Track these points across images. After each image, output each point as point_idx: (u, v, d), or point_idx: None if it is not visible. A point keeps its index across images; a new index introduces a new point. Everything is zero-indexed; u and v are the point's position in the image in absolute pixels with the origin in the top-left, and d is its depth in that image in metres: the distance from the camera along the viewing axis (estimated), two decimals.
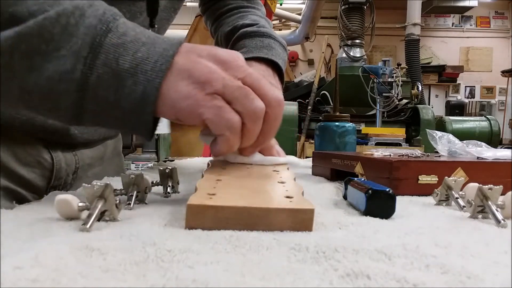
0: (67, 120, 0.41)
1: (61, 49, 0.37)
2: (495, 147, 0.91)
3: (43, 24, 0.37)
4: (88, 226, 0.31)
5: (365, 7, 3.71)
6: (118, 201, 0.35)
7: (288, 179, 0.41)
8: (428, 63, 6.58)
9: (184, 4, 0.77)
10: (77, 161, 0.67)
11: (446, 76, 6.59)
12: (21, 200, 0.50)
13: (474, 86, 6.93)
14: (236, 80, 0.39)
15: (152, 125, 0.40)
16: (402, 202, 0.46)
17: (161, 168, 0.49)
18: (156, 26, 0.64)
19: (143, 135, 0.41)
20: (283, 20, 5.58)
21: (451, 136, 0.68)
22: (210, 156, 0.70)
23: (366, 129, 3.10)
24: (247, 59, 0.70)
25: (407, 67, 4.33)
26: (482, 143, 0.68)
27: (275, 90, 0.41)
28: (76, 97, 0.38)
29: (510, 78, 6.27)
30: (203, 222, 0.31)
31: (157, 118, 0.40)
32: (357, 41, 3.67)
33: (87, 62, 0.37)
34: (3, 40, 0.37)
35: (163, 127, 3.57)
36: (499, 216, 0.37)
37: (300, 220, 0.32)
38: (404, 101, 3.38)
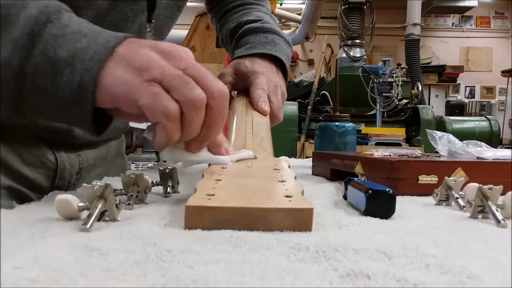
0: (10, 109, 0.41)
1: (0, 39, 0.38)
2: (495, 147, 0.91)
3: None
4: (88, 226, 0.31)
5: (365, 7, 3.71)
6: (118, 201, 0.35)
7: (288, 178, 0.41)
8: (428, 63, 6.58)
9: None
10: (81, 162, 0.67)
11: (446, 76, 6.59)
12: (25, 200, 0.51)
13: (474, 86, 6.93)
14: (176, 70, 0.39)
15: (91, 116, 0.39)
16: (402, 202, 0.46)
17: (161, 168, 0.49)
18: (153, 21, 0.64)
19: (87, 129, 0.41)
20: (283, 20, 5.58)
21: (451, 136, 0.68)
22: None
23: (366, 129, 3.10)
24: (251, 55, 0.70)
25: (407, 67, 4.32)
26: (482, 143, 0.68)
27: (219, 82, 0.40)
28: (14, 85, 0.39)
29: (510, 78, 6.26)
30: (202, 223, 0.31)
31: (102, 111, 0.40)
32: (357, 41, 3.67)
33: (25, 51, 0.38)
34: None
35: None
36: (499, 216, 0.37)
37: (299, 219, 0.32)
38: (404, 101, 3.38)
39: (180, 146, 0.42)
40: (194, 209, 0.31)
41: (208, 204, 0.32)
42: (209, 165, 0.47)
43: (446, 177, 0.46)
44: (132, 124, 0.52)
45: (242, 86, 0.69)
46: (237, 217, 0.31)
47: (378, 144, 2.87)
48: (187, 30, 4.11)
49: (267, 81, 0.66)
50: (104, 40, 0.39)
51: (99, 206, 0.33)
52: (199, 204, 0.32)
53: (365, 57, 3.70)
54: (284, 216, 0.32)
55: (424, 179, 0.53)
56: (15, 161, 0.58)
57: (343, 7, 3.68)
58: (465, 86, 6.91)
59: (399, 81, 3.13)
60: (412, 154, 0.64)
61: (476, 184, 0.41)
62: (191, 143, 0.42)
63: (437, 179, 0.53)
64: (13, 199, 0.55)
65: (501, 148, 0.93)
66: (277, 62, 0.72)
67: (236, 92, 0.71)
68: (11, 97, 0.40)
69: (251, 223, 0.31)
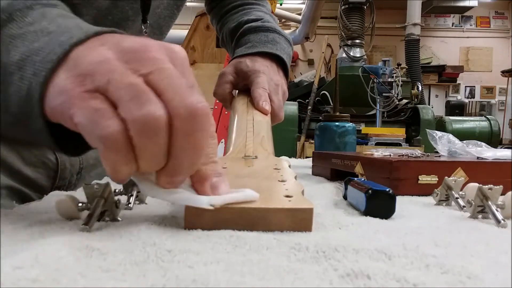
0: None
1: None
2: (495, 147, 0.91)
3: None
4: (88, 226, 0.31)
5: (365, 7, 3.71)
6: (118, 201, 0.35)
7: (289, 177, 0.41)
8: (428, 63, 6.58)
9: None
10: (81, 162, 0.68)
11: (446, 76, 6.59)
12: (26, 200, 0.51)
13: (474, 86, 6.93)
14: (132, 75, 0.28)
15: (49, 134, 0.31)
16: (402, 202, 0.46)
17: None
18: (148, 22, 0.64)
19: (53, 149, 0.35)
20: (283, 20, 5.58)
21: (451, 136, 0.68)
22: None
23: (366, 129, 3.10)
24: (251, 54, 0.70)
25: (407, 67, 4.33)
26: (482, 143, 0.68)
27: (192, 95, 0.29)
28: None
29: (510, 78, 6.27)
30: (202, 223, 0.31)
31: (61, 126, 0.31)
32: (357, 41, 3.67)
33: None
34: None
35: None
36: (499, 216, 0.37)
37: (299, 219, 0.32)
38: (404, 101, 3.39)
39: (150, 178, 0.32)
40: (194, 209, 0.31)
41: None
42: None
43: (446, 177, 0.46)
44: None
45: (243, 85, 0.69)
46: (236, 217, 0.31)
47: (378, 144, 2.87)
48: (187, 30, 4.11)
49: (268, 80, 0.66)
50: (67, 36, 0.31)
51: (99, 206, 0.33)
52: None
53: (365, 57, 3.70)
54: (284, 216, 0.32)
55: (424, 179, 0.53)
56: (16, 161, 0.58)
57: (343, 7, 3.68)
58: (465, 86, 6.91)
59: (399, 81, 3.13)
60: (412, 154, 0.64)
61: (476, 184, 0.41)
62: (159, 176, 0.31)
63: (437, 179, 0.53)
64: (13, 199, 0.55)
65: (501, 148, 0.93)
66: (278, 61, 0.72)
67: (237, 91, 0.71)
68: None
69: (251, 223, 0.31)
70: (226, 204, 0.32)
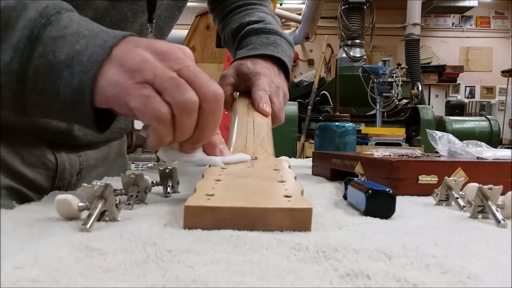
0: (14, 111, 0.42)
1: (1, 43, 0.39)
2: (495, 147, 0.91)
3: None
4: (88, 226, 0.31)
5: (365, 7, 3.71)
6: (118, 201, 0.35)
7: (288, 178, 0.41)
8: (428, 63, 6.58)
9: None
10: (81, 162, 0.67)
11: (446, 76, 6.59)
12: (25, 200, 0.51)
13: (474, 86, 6.93)
14: (170, 71, 0.38)
15: (94, 117, 0.40)
16: (402, 202, 0.46)
17: (161, 168, 0.49)
18: (154, 21, 0.64)
19: (91, 128, 0.41)
20: (283, 20, 5.58)
21: (451, 136, 0.68)
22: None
23: (366, 129, 3.10)
24: (253, 56, 0.70)
25: (407, 67, 4.32)
26: (482, 143, 0.68)
27: (213, 84, 0.40)
28: (16, 88, 0.39)
29: (510, 78, 6.26)
30: (201, 223, 0.31)
31: (104, 110, 0.40)
32: (357, 41, 3.67)
33: (25, 54, 0.38)
34: None
35: None
36: (499, 216, 0.37)
37: (298, 219, 0.32)
38: (404, 101, 3.39)
39: (174, 146, 0.42)
40: (193, 209, 0.31)
41: (207, 204, 0.32)
42: (209, 166, 0.47)
43: (446, 177, 0.46)
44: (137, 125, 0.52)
45: (244, 87, 0.69)
46: (236, 217, 0.31)
47: (378, 144, 2.87)
48: (187, 30, 4.11)
49: (269, 82, 0.66)
50: (101, 40, 0.39)
51: (99, 206, 0.33)
52: (198, 204, 0.32)
53: (365, 57, 3.70)
54: (283, 216, 0.32)
55: (424, 179, 0.53)
56: (16, 162, 0.58)
57: (343, 7, 3.68)
58: (465, 86, 6.91)
59: (399, 81, 3.13)
60: (412, 154, 0.64)
61: (476, 184, 0.41)
62: (184, 144, 0.42)
63: (437, 179, 0.53)
64: (13, 199, 0.55)
65: (501, 148, 0.93)
66: (279, 63, 0.72)
67: (238, 93, 0.71)
68: (14, 99, 0.40)
69: (250, 223, 0.31)
70: (231, 162, 0.46)
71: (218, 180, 0.39)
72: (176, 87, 0.38)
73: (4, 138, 0.57)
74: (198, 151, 0.44)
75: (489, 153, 0.61)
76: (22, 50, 0.38)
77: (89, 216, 0.32)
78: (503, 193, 0.39)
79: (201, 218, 0.31)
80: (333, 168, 0.68)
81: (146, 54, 0.39)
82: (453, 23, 7.00)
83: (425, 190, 0.52)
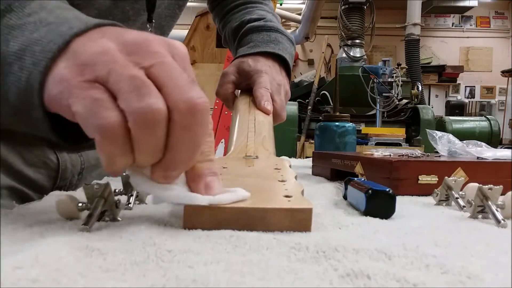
0: None
1: None
2: (495, 147, 0.91)
3: None
4: (88, 226, 0.31)
5: (365, 7, 3.71)
6: (118, 201, 0.35)
7: (289, 178, 0.41)
8: (428, 63, 6.58)
9: None
10: (83, 162, 0.68)
11: (446, 76, 6.59)
12: (27, 200, 0.51)
13: (474, 86, 6.93)
14: (133, 68, 0.28)
15: (48, 125, 0.31)
16: (402, 202, 0.46)
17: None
18: (153, 21, 0.64)
19: (54, 140, 0.32)
20: (283, 20, 5.58)
21: (451, 136, 0.68)
22: None
23: (366, 129, 3.10)
24: (254, 53, 0.70)
25: (407, 67, 4.33)
26: (482, 143, 0.68)
27: (191, 89, 0.29)
28: None
29: (510, 78, 6.27)
30: (200, 223, 0.31)
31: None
32: (357, 41, 3.67)
33: None
34: None
35: None
36: (499, 216, 0.37)
37: (298, 219, 0.32)
38: (404, 101, 3.39)
39: (144, 171, 0.31)
40: (193, 209, 0.31)
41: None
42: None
43: (446, 177, 0.46)
44: None
45: (245, 85, 0.69)
46: (236, 217, 0.31)
47: (378, 144, 2.88)
48: (187, 30, 4.11)
49: (270, 80, 0.66)
50: (67, 27, 0.31)
51: (99, 206, 0.33)
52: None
53: (365, 57, 3.70)
54: (283, 216, 0.32)
55: (424, 179, 0.53)
56: (17, 161, 0.58)
57: (343, 7, 3.68)
58: (465, 86, 6.91)
59: (399, 81, 3.13)
60: (412, 154, 0.64)
61: (476, 184, 0.41)
62: (154, 170, 0.30)
63: (437, 179, 0.53)
64: (14, 199, 0.55)
65: (501, 148, 0.93)
66: (280, 61, 0.72)
67: (239, 91, 0.71)
68: None
69: (250, 223, 0.31)
70: (219, 204, 0.31)
71: None
72: (135, 89, 0.27)
73: (5, 138, 0.57)
74: (178, 181, 0.32)
75: (489, 153, 0.61)
76: None
77: (89, 216, 0.32)
78: (503, 193, 0.39)
79: (201, 218, 0.31)
80: (333, 168, 0.68)
81: (108, 44, 0.29)
82: (453, 23, 7.01)
83: (425, 190, 0.52)
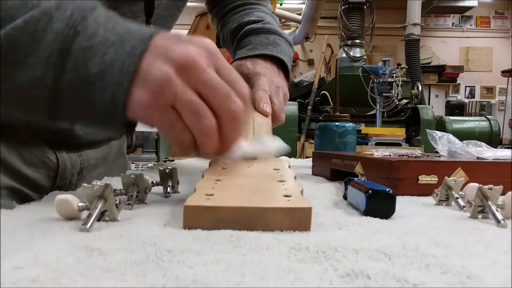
0: (45, 122, 0.43)
1: (30, 57, 0.38)
2: (495, 147, 0.91)
3: (11, 34, 0.38)
4: (88, 226, 0.31)
5: (365, 7, 3.71)
6: (118, 201, 0.35)
7: (288, 178, 0.41)
8: (428, 63, 6.59)
9: None
10: (82, 162, 0.68)
11: (446, 76, 6.59)
12: (26, 200, 0.51)
13: (474, 86, 6.94)
14: (188, 91, 0.38)
15: (126, 127, 0.41)
16: (402, 202, 0.46)
17: (161, 168, 0.49)
18: (151, 26, 0.64)
19: (121, 135, 0.42)
20: (283, 20, 5.58)
21: (451, 136, 0.68)
22: None
23: (366, 129, 3.10)
24: (252, 56, 0.70)
25: (407, 67, 4.33)
26: (482, 143, 0.68)
27: (232, 101, 0.40)
28: (49, 103, 0.39)
29: (510, 78, 6.27)
30: (200, 223, 0.31)
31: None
32: (357, 41, 3.68)
33: (57, 69, 0.38)
34: None
35: None
36: (499, 216, 0.37)
37: (297, 218, 0.32)
38: (404, 101, 3.39)
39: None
40: (192, 209, 0.31)
41: (207, 204, 0.32)
42: (210, 165, 0.47)
43: (446, 177, 0.46)
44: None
45: None
46: (235, 217, 0.31)
47: (378, 144, 2.88)
48: (187, 30, 4.11)
49: (269, 82, 0.66)
50: (129, 46, 0.39)
51: (99, 206, 0.33)
52: (197, 204, 0.32)
53: (365, 57, 3.71)
54: (283, 215, 0.32)
55: (424, 179, 0.53)
56: (17, 161, 0.58)
57: (343, 7, 3.68)
58: (465, 86, 6.91)
59: (399, 81, 3.13)
60: (412, 154, 0.64)
61: (476, 184, 0.41)
62: (217, 150, 0.42)
63: (437, 179, 0.53)
64: (14, 199, 0.55)
65: (501, 148, 0.93)
66: (279, 63, 0.72)
67: None
68: (45, 111, 0.40)
69: (250, 223, 0.31)
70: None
71: (218, 180, 0.39)
72: (194, 113, 0.38)
73: (4, 137, 0.57)
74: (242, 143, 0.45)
75: (489, 153, 0.61)
76: (54, 64, 0.38)
77: (89, 216, 0.32)
78: (503, 193, 0.39)
79: (201, 218, 0.31)
80: (333, 168, 0.68)
81: (165, 68, 0.38)
82: (453, 23, 7.01)
83: (425, 190, 0.52)
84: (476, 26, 7.00)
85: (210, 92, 0.39)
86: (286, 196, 0.34)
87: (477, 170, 0.55)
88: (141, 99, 0.38)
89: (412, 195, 0.52)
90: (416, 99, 3.57)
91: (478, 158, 0.61)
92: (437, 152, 0.69)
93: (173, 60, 0.39)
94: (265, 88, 0.65)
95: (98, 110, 0.39)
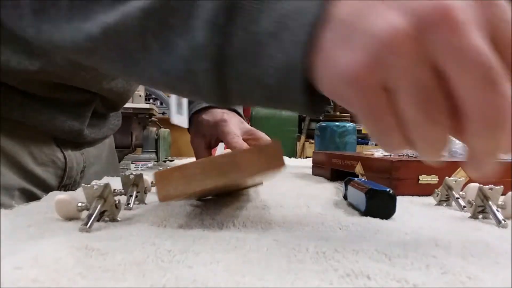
0: (215, 102, 0.32)
1: (190, 19, 0.29)
2: None
3: None
4: (87, 226, 0.31)
5: None
6: (117, 201, 0.35)
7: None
8: None
9: None
10: (85, 160, 0.68)
11: None
12: (34, 199, 0.51)
13: None
14: (423, 71, 0.23)
15: (310, 100, 0.28)
16: (402, 202, 0.46)
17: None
18: None
19: (308, 113, 0.29)
20: None
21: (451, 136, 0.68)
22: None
23: None
24: (204, 108, 0.73)
25: None
26: None
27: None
28: (215, 76, 0.30)
29: None
30: (174, 188, 0.31)
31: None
32: None
33: (223, 31, 0.28)
34: (130, 20, 0.31)
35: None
36: (500, 216, 0.37)
37: (269, 156, 0.31)
38: None
39: None
40: (163, 174, 0.31)
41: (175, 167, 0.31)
42: None
43: (446, 177, 0.46)
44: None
45: (216, 139, 0.71)
46: (206, 170, 0.31)
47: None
48: None
49: (234, 123, 0.68)
50: None
51: (99, 206, 0.33)
52: (166, 169, 0.32)
53: None
54: (253, 155, 0.31)
55: (424, 179, 0.53)
56: (28, 161, 0.58)
57: None
58: None
59: None
60: (412, 154, 0.64)
61: (477, 184, 0.41)
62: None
63: (437, 179, 0.53)
64: (25, 200, 0.55)
65: None
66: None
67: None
68: (213, 90, 0.31)
69: (222, 172, 0.31)
70: None
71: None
72: (423, 119, 0.24)
73: (16, 135, 0.56)
74: None
75: None
76: (219, 26, 0.28)
77: (89, 216, 0.32)
78: (503, 193, 0.39)
79: (172, 180, 0.31)
80: (333, 168, 0.68)
81: (398, 20, 0.23)
82: None
83: (426, 190, 0.52)
84: None
85: (455, 76, 0.23)
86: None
87: None
88: (340, 61, 0.24)
89: (412, 195, 0.52)
90: None
91: None
92: None
93: (410, 10, 0.23)
94: (235, 132, 0.67)
95: (269, 83, 0.28)
